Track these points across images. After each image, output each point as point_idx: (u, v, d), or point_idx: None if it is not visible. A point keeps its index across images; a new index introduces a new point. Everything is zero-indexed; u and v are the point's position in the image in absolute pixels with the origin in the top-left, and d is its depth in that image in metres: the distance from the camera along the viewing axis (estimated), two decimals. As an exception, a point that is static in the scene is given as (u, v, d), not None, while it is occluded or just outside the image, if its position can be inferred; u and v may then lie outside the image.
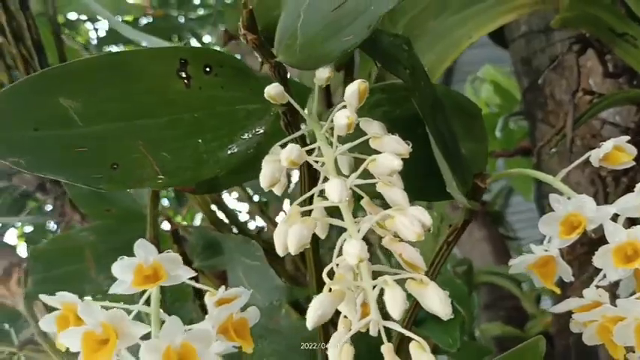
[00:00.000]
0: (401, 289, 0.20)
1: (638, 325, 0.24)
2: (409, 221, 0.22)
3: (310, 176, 0.31)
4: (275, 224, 0.47)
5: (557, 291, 0.30)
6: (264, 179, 0.26)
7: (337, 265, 0.22)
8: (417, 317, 0.36)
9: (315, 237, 0.25)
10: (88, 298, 0.52)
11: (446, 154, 0.29)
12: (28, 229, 1.00)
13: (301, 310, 0.45)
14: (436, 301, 0.20)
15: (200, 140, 0.30)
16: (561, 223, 0.28)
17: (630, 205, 0.27)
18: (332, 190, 0.22)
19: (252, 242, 0.39)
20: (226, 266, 0.43)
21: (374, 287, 0.20)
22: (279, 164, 0.26)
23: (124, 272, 0.28)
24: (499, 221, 1.15)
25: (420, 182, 0.32)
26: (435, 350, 0.43)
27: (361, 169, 0.25)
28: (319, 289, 0.22)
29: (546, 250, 0.30)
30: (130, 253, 0.27)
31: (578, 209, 0.28)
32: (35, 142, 0.27)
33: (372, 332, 0.20)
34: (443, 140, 0.30)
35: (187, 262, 0.43)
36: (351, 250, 0.20)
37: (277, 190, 0.27)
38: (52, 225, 0.76)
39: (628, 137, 0.29)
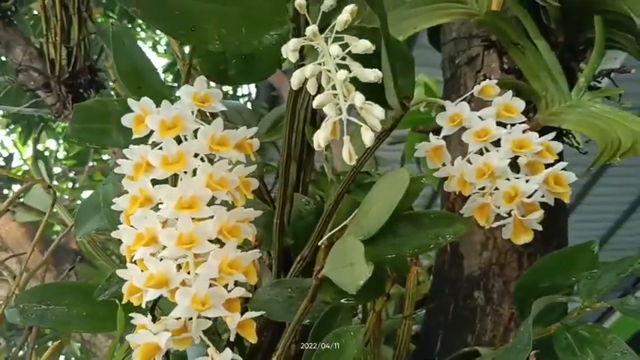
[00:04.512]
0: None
1: (477, 168, 0.44)
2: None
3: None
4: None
5: (440, 165, 0.50)
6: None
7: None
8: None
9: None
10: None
11: (392, 77, 0.48)
12: None
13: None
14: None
15: (244, 29, 0.48)
16: (449, 117, 0.48)
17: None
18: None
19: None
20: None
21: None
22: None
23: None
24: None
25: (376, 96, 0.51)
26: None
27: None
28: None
29: (438, 139, 0.50)
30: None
31: (460, 110, 0.47)
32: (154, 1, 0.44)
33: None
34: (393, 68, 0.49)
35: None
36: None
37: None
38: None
39: (496, 80, 0.50)
